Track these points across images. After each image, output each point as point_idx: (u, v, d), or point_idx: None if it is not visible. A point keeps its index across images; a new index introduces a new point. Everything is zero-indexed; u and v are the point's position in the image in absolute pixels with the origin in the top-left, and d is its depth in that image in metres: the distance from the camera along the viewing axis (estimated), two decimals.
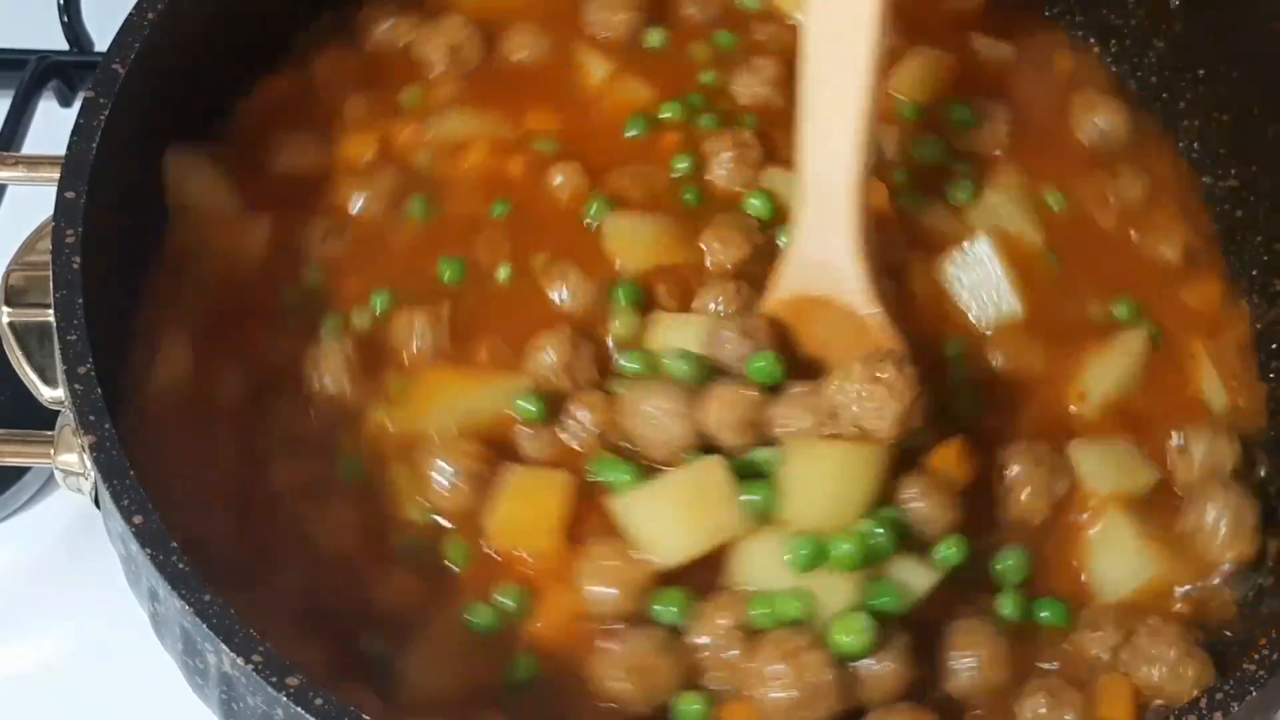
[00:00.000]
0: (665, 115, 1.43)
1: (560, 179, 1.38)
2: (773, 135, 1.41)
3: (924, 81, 1.49)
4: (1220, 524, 1.26)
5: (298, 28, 1.50)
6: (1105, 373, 1.34)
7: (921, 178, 1.43)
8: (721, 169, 1.39)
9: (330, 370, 1.27)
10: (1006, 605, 1.21)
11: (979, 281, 1.35)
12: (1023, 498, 1.25)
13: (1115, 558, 1.25)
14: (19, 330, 1.25)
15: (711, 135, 1.41)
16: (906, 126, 1.46)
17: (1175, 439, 1.31)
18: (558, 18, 1.50)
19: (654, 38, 1.49)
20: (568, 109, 1.45)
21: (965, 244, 1.36)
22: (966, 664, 1.17)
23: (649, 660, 1.14)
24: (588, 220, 1.36)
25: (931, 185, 1.42)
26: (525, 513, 1.21)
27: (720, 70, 1.47)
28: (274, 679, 0.99)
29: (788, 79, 1.37)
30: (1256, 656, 1.04)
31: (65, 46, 1.77)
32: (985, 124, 1.48)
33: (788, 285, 1.29)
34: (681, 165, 1.40)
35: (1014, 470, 1.26)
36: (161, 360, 1.27)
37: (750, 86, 1.45)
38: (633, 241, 1.35)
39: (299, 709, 0.99)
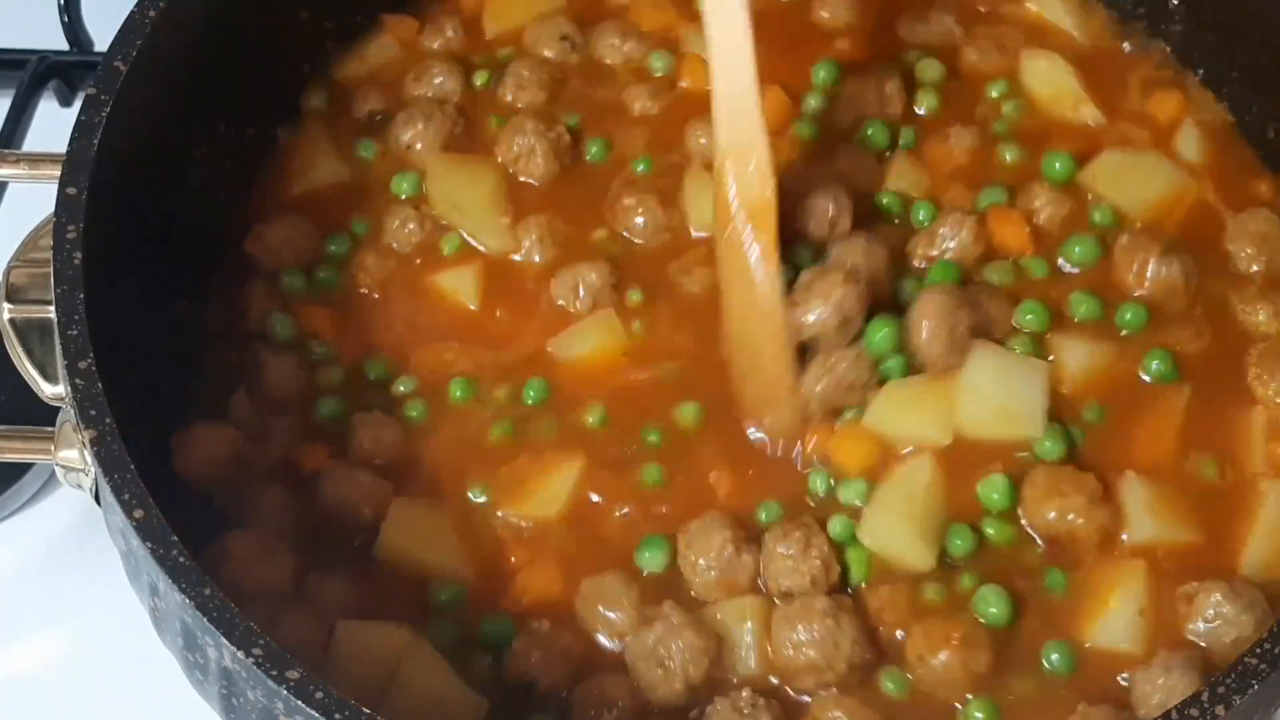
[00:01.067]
0: None
1: None
2: None
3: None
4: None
5: (301, 29, 1.51)
6: None
7: None
8: None
9: None
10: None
11: None
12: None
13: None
14: (20, 327, 1.25)
15: None
16: None
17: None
18: None
19: None
20: None
21: None
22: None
23: None
24: None
25: None
26: None
27: None
28: (274, 672, 0.99)
29: None
30: (1258, 650, 1.04)
31: (65, 46, 1.77)
32: None
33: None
34: None
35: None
36: None
37: None
38: None
39: (299, 702, 0.98)
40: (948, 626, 1.19)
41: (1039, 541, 1.25)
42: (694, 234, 1.40)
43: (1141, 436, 1.30)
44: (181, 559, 1.04)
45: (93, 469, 1.10)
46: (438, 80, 1.49)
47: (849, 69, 1.49)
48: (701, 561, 1.22)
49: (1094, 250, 1.38)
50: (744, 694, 1.17)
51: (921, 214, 1.40)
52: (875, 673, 1.19)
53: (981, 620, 1.21)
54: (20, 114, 1.67)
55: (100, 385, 1.11)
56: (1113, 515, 1.25)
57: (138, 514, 1.06)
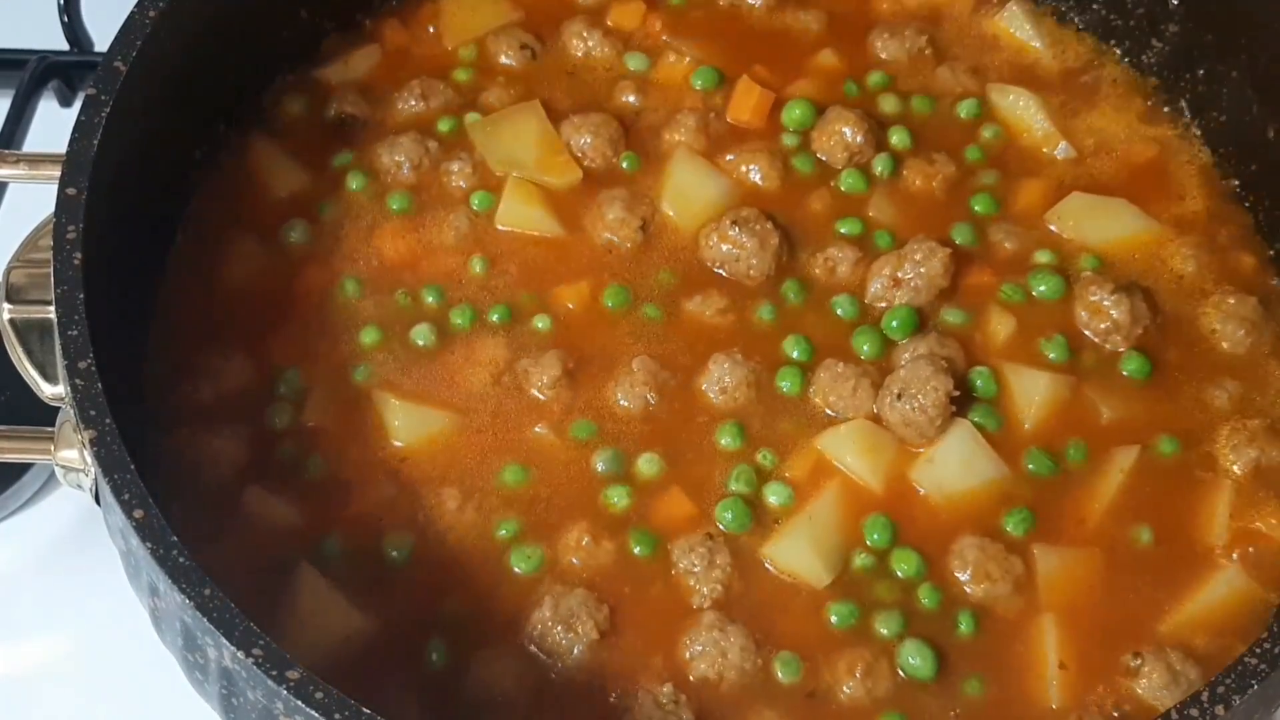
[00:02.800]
0: None
1: None
2: None
3: None
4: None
5: (300, 29, 1.51)
6: None
7: None
8: None
9: None
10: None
11: None
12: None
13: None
14: (19, 327, 1.25)
15: None
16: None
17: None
18: None
19: None
20: None
21: None
22: None
23: None
24: None
25: None
26: None
27: None
28: (274, 672, 0.99)
29: None
30: (1258, 650, 1.04)
31: (65, 46, 1.77)
32: None
33: None
34: None
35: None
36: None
37: None
38: None
39: (299, 702, 0.98)
40: (852, 655, 1.20)
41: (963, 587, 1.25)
42: None
43: (1087, 495, 1.30)
44: (181, 559, 1.04)
45: (93, 469, 1.10)
46: (416, 100, 1.48)
47: (821, 107, 1.49)
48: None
49: (1056, 288, 1.39)
50: (665, 689, 1.18)
51: (882, 242, 1.42)
52: (771, 664, 1.20)
53: (903, 673, 1.21)
54: (20, 114, 1.67)
55: (100, 385, 1.11)
56: (1031, 592, 1.25)
57: (138, 514, 1.06)
